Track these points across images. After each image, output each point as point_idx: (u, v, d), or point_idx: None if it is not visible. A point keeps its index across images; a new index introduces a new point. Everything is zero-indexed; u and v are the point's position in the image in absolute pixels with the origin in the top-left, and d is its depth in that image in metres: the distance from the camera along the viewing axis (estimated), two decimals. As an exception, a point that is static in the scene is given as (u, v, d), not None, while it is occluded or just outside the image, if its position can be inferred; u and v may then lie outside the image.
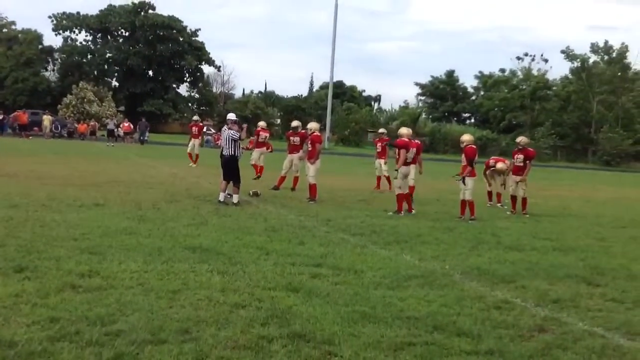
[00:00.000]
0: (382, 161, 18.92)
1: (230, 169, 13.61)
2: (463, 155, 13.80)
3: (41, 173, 17.36)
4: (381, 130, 20.65)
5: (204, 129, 26.61)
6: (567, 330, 5.80)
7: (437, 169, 28.77)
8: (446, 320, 5.83)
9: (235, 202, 13.26)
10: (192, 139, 25.74)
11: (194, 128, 26.44)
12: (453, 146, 71.84)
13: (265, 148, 20.40)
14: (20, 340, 4.62)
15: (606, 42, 78.02)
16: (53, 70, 78.41)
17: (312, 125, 16.25)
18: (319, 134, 16.27)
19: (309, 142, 15.98)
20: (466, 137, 14.23)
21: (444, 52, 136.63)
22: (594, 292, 7.43)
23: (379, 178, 19.13)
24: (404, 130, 14.41)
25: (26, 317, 5.13)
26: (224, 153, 13.83)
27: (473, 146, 13.87)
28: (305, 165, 15.84)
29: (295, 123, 18.12)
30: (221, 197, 13.49)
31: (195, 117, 29.11)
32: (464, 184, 13.42)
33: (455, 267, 8.25)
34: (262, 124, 21.06)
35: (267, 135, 21.18)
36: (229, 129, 13.95)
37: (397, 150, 13.80)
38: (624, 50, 77.18)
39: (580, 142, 77.59)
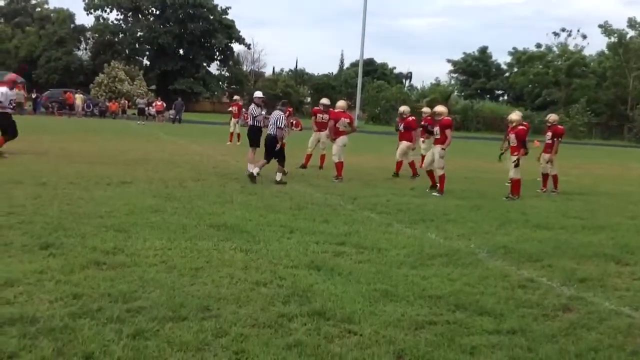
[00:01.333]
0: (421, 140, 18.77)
1: (272, 148, 13.79)
2: (513, 136, 13.45)
3: (71, 151, 17.56)
4: (425, 109, 20.18)
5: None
6: (592, 310, 5.70)
7: (468, 147, 28.50)
8: (469, 299, 5.76)
9: (277, 179, 13.50)
10: (233, 118, 26.09)
11: (233, 107, 26.71)
12: (485, 124, 71.31)
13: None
14: (42, 316, 4.68)
15: (645, 17, 76.21)
16: (85, 49, 79.30)
17: (340, 104, 16.29)
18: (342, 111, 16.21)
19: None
20: (515, 117, 13.87)
21: (476, 28, 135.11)
22: (622, 271, 7.30)
23: (421, 157, 18.91)
24: (444, 109, 14.14)
25: (49, 294, 5.18)
26: (269, 132, 13.97)
27: (524, 126, 13.62)
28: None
29: (324, 100, 18.03)
30: (250, 168, 13.80)
31: (236, 97, 29.45)
32: (517, 165, 13.23)
33: (481, 246, 8.16)
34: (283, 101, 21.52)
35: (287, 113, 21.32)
36: (278, 109, 14.23)
37: (440, 129, 13.50)
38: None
39: (616, 119, 76.25)
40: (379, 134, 46.45)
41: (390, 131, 29.42)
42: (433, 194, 13.07)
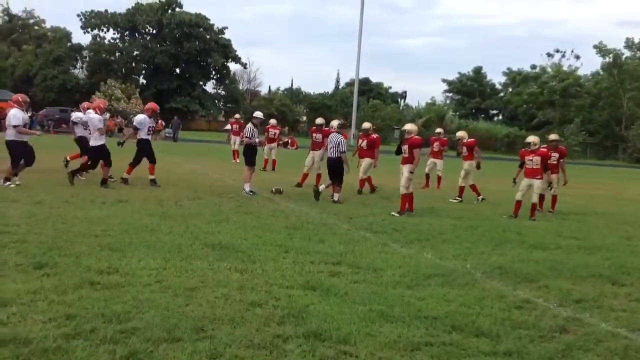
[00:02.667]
0: (437, 161, 18.99)
1: (335, 170, 14.40)
2: (539, 159, 13.54)
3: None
4: (438, 130, 20.23)
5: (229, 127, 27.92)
6: (589, 331, 5.68)
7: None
8: (465, 320, 5.73)
9: (336, 199, 14.11)
10: (233, 136, 26.16)
11: (234, 125, 26.69)
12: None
13: (275, 143, 22.19)
14: (36, 337, 4.63)
15: (643, 38, 76.85)
16: (81, 67, 79.55)
17: (320, 121, 17.98)
18: (327, 128, 16.95)
19: (321, 135, 17.19)
20: (535, 139, 13.96)
21: (471, 48, 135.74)
22: (618, 292, 7.28)
23: (427, 176, 19.17)
24: (413, 127, 13.88)
25: (43, 314, 5.14)
26: (330, 155, 14.63)
27: (544, 149, 13.90)
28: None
29: (319, 120, 18.20)
30: (247, 187, 14.38)
31: (237, 115, 29.73)
32: (551, 188, 13.61)
33: (477, 266, 8.14)
34: (272, 121, 23.44)
35: (277, 132, 23.07)
36: (337, 132, 14.84)
37: (408, 149, 13.19)
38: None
39: (610, 139, 76.55)
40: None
41: (385, 150, 29.51)
42: (392, 213, 12.62)
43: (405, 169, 13.06)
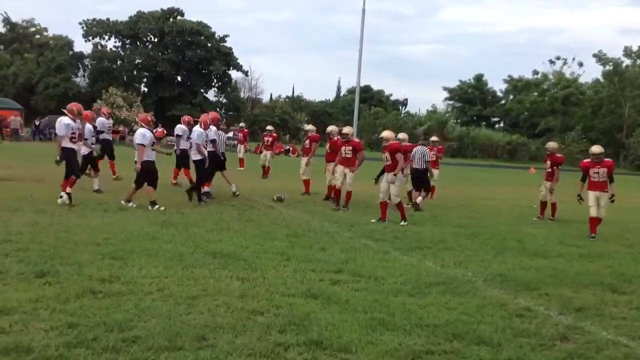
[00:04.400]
0: (434, 170, 18.51)
1: (422, 179, 15.58)
2: (605, 170, 12.68)
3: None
4: (434, 138, 19.80)
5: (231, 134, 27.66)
6: (590, 340, 5.69)
7: (465, 174, 28.55)
8: (466, 328, 5.74)
9: (419, 202, 15.18)
10: (265, 150, 23.29)
11: (266, 138, 23.48)
12: (481, 150, 71.60)
13: (270, 151, 22.20)
14: (37, 346, 4.65)
15: (640, 47, 76.87)
16: (83, 76, 79.70)
17: (310, 127, 18.25)
18: (316, 134, 17.73)
19: (309, 141, 17.48)
20: (599, 149, 13.18)
21: (472, 55, 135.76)
22: (619, 300, 7.29)
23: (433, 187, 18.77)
24: (390, 134, 13.80)
25: (44, 323, 5.16)
26: (416, 166, 15.64)
27: (586, 160, 13.12)
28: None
29: (347, 129, 17.15)
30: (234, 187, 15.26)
31: (242, 124, 28.03)
32: (612, 201, 12.58)
33: (478, 274, 8.15)
34: (269, 127, 23.58)
35: (271, 139, 22.99)
36: (421, 144, 15.82)
37: (390, 155, 13.09)
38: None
39: (612, 146, 76.44)
40: (376, 161, 46.48)
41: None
42: (372, 220, 12.60)
43: (389, 177, 12.81)
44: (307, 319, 5.71)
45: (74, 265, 7.17)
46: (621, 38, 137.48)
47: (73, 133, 12.60)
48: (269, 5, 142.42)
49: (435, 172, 18.52)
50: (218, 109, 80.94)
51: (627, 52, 77.62)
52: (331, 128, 16.92)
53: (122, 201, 12.52)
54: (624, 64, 77.91)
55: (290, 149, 46.52)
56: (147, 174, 12.63)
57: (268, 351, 4.90)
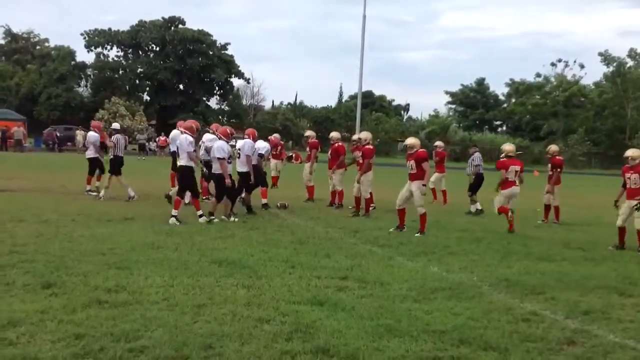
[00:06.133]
0: (440, 175, 18.52)
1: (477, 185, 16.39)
2: (637, 176, 11.41)
3: (72, 188, 17.57)
4: (437, 142, 19.71)
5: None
6: (597, 343, 5.67)
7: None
8: (473, 334, 5.73)
9: (473, 210, 16.04)
10: (273, 159, 20.88)
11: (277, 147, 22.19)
12: (485, 155, 71.56)
13: (280, 159, 20.75)
14: (45, 357, 4.66)
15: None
16: (86, 85, 79.78)
17: (309, 133, 18.18)
18: (315, 140, 17.75)
19: (309, 147, 17.48)
20: (635, 152, 11.71)
21: (473, 60, 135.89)
22: (625, 302, 7.27)
23: (433, 190, 18.54)
24: (366, 135, 15.00)
25: (51, 334, 5.17)
26: (468, 172, 16.80)
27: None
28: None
29: (365, 135, 17.02)
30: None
31: (276, 135, 25.20)
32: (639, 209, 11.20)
33: (483, 279, 8.14)
34: (275, 135, 21.47)
35: (279, 147, 22.00)
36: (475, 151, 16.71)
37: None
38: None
39: (615, 148, 76.34)
40: (379, 166, 46.35)
41: (390, 162, 29.48)
42: (391, 230, 12.25)
43: (415, 186, 12.16)
44: (314, 326, 5.71)
45: (79, 275, 7.19)
46: (621, 40, 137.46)
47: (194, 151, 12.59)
48: (270, 13, 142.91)
49: (441, 175, 18.49)
50: (220, 117, 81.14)
51: (631, 53, 77.45)
52: (333, 134, 16.92)
53: (222, 217, 12.50)
54: (627, 65, 77.74)
55: (294, 155, 46.46)
56: (223, 186, 12.56)
57: (275, 359, 4.89)
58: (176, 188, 13.28)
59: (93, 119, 61.92)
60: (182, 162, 12.44)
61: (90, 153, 16.41)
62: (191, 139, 12.48)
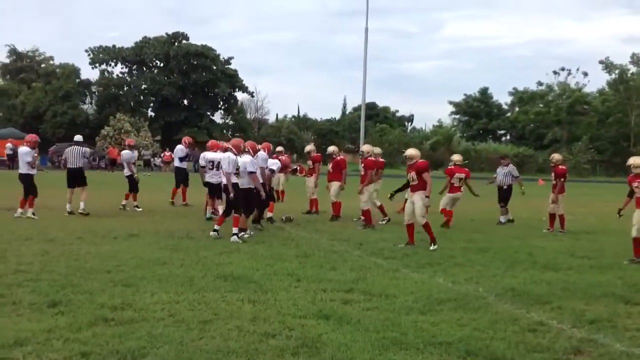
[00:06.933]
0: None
1: (505, 198, 16.75)
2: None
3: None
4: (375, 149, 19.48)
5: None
6: (604, 352, 5.66)
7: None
8: (479, 345, 5.72)
9: (503, 221, 16.44)
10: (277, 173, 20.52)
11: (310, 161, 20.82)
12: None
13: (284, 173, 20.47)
14: (51, 376, 4.67)
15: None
16: (91, 103, 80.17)
17: (309, 148, 18.33)
18: (318, 154, 18.00)
19: (312, 161, 17.71)
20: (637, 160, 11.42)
21: (477, 69, 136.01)
22: (632, 311, 7.24)
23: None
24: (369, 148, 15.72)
25: (58, 353, 5.18)
26: (499, 184, 17.04)
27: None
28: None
29: (378, 149, 17.15)
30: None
31: (280, 148, 22.89)
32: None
33: (489, 289, 8.13)
34: (279, 148, 20.71)
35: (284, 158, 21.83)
36: (504, 165, 17.11)
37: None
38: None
39: (619, 156, 76.20)
40: (383, 177, 46.46)
41: (393, 174, 29.48)
42: (400, 246, 11.87)
43: (417, 197, 11.93)
44: (320, 340, 5.71)
45: (85, 293, 7.20)
46: (624, 47, 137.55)
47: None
48: (273, 27, 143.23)
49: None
50: (225, 131, 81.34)
51: (634, 59, 77.41)
52: (332, 149, 17.00)
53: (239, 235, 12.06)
54: (630, 72, 77.70)
55: (298, 168, 46.52)
56: (247, 200, 12.41)
57: (281, 374, 4.90)
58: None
59: (98, 136, 62.38)
60: (242, 182, 12.35)
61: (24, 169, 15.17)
62: (234, 157, 12.36)
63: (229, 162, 12.27)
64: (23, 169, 14.80)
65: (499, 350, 5.58)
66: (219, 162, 13.87)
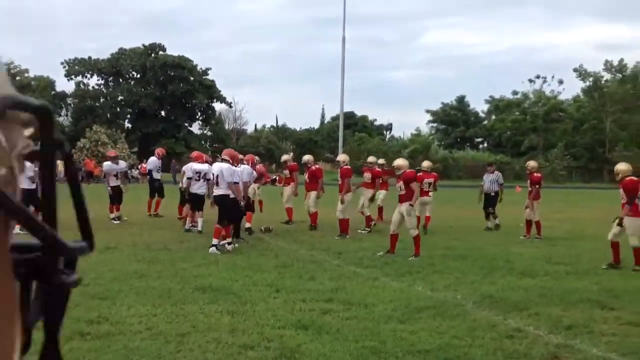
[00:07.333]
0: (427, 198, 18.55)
1: (493, 204, 17.03)
2: (621, 190, 11.33)
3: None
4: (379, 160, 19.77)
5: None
6: (580, 358, 5.72)
7: (450, 196, 28.69)
8: (458, 352, 5.75)
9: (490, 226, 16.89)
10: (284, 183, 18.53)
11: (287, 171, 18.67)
12: (466, 172, 72.00)
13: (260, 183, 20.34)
14: (27, 392, 4.60)
15: (621, 60, 77.67)
16: (66, 115, 79.53)
17: (286, 157, 18.71)
18: (294, 163, 18.29)
19: (288, 170, 17.82)
20: (623, 167, 11.67)
21: (454, 77, 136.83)
22: (608, 316, 7.32)
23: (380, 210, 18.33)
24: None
25: (33, 368, 5.10)
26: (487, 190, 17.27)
27: (633, 178, 11.29)
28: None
29: (381, 160, 18.58)
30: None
31: (286, 157, 20.10)
32: (621, 225, 11.10)
33: (467, 296, 8.18)
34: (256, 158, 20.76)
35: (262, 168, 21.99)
36: (490, 172, 17.45)
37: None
38: (638, 69, 76.65)
39: (595, 162, 77.15)
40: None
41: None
42: (380, 253, 11.89)
43: (404, 207, 11.96)
44: (298, 350, 5.70)
45: (61, 307, 7.11)
46: (599, 54, 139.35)
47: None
48: (251, 37, 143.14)
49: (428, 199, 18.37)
50: (203, 142, 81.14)
51: (607, 66, 78.50)
52: (306, 158, 17.07)
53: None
54: (604, 79, 78.77)
55: (277, 178, 46.46)
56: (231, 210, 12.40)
57: (260, 386, 4.88)
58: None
59: (74, 149, 61.91)
60: (220, 191, 12.34)
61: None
62: (234, 168, 12.38)
63: (231, 172, 12.26)
64: None
65: (477, 357, 5.62)
66: (205, 174, 13.89)
